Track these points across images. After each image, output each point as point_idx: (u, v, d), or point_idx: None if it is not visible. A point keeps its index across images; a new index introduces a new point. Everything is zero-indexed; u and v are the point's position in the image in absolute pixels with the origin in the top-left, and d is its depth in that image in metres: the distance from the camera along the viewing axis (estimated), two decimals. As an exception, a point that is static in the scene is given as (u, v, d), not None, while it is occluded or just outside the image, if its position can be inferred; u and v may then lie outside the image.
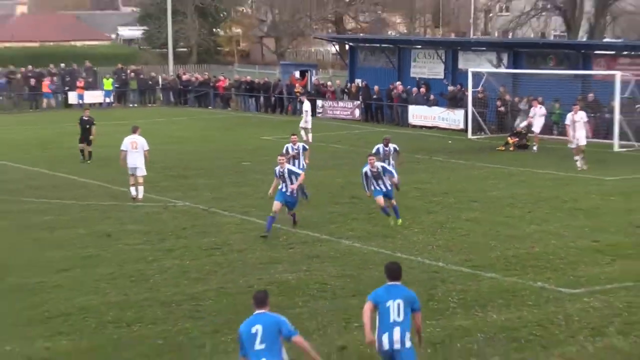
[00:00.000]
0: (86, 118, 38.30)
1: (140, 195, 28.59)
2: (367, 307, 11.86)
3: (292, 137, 30.16)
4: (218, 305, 17.80)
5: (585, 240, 23.14)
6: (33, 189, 30.94)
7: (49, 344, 15.49)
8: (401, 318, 11.73)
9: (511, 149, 41.68)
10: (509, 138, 42.73)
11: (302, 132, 42.38)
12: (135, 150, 28.63)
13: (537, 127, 41.34)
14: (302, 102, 48.82)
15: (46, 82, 64.41)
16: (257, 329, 11.02)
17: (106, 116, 53.83)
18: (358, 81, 57.59)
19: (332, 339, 15.34)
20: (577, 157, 34.79)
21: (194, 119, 58.24)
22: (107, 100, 66.56)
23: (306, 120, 44.08)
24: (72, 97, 65.41)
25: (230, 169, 36.24)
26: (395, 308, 11.72)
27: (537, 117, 41.44)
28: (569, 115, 35.54)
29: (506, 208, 27.57)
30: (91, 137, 37.99)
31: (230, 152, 41.40)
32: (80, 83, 65.65)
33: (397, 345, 11.61)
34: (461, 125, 48.57)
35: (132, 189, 28.74)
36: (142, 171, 28.68)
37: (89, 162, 37.57)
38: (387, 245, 22.54)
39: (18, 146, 43.41)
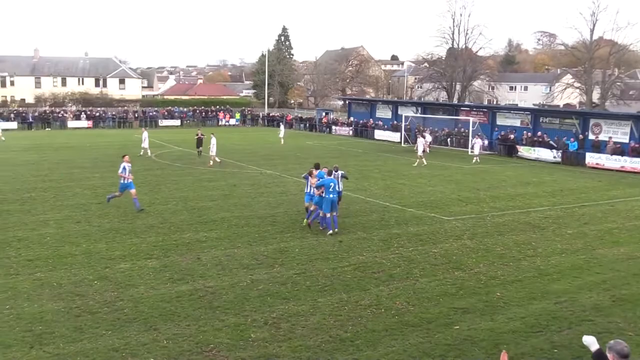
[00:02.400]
0: (199, 136, 33.08)
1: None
2: None
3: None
4: (286, 217, 17.14)
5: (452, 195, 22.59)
6: (202, 164, 30.72)
7: (206, 234, 15.08)
8: None
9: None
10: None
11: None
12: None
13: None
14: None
15: (221, 115, 64.88)
16: None
17: (234, 131, 53.74)
18: (352, 118, 57.05)
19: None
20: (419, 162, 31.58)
21: (274, 133, 57.67)
22: (237, 123, 66.94)
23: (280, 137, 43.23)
24: (221, 122, 66.04)
25: (291, 156, 35.48)
26: None
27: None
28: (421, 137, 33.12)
29: (419, 179, 26.84)
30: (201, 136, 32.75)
31: (291, 149, 40.67)
32: (228, 115, 65.94)
33: None
34: (397, 139, 47.76)
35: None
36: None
37: (200, 156, 31.96)
38: (363, 194, 22.01)
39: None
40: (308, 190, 15.86)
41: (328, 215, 14.99)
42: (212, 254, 13.38)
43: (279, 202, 20.23)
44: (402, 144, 46.19)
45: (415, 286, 11.48)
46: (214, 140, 30.28)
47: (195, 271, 12.15)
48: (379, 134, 50.94)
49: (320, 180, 15.10)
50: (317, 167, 16.13)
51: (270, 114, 70.13)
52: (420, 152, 32.09)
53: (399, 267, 12.71)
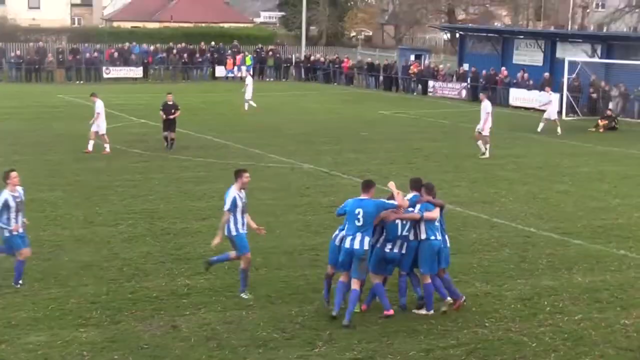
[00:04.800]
0: (170, 103, 31.24)
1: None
2: None
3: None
4: None
5: (665, 214, 22.32)
6: (183, 148, 31.36)
7: (189, 281, 15.67)
8: None
9: (601, 130, 40.65)
10: (599, 121, 41.85)
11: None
12: None
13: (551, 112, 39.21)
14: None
15: (229, 62, 66.55)
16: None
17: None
18: (466, 65, 56.97)
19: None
20: None
21: (321, 94, 58.30)
22: (248, 73, 67.44)
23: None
24: (220, 71, 66.83)
25: (350, 137, 36.08)
26: None
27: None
28: None
29: (594, 182, 26.77)
30: (172, 116, 31.14)
31: (350, 123, 41.25)
32: (230, 60, 66.68)
33: None
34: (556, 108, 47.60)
35: None
36: None
37: (172, 150, 30.92)
38: (485, 211, 22.11)
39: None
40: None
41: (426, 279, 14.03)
42: (198, 320, 13.84)
43: (325, 223, 20.48)
44: (564, 117, 45.75)
45: None
46: (249, 80, 28.83)
47: (169, 350, 12.53)
48: (518, 96, 51.28)
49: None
50: (418, 185, 14.52)
51: (312, 58, 70.87)
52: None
53: (555, 352, 12.75)
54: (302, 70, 69.82)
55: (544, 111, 39.75)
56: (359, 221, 13.57)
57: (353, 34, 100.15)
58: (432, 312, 14.09)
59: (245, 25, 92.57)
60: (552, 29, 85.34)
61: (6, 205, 15.01)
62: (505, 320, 13.98)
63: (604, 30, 77.62)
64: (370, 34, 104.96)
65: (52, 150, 30.62)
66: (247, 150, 31.86)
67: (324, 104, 51.18)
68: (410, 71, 59.85)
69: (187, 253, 17.68)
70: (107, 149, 30.18)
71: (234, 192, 14.67)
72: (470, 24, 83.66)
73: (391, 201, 13.83)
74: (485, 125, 30.92)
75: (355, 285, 13.70)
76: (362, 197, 13.82)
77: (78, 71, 63.22)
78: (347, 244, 13.68)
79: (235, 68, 67.02)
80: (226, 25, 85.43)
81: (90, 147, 30.15)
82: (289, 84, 66.04)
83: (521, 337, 13.24)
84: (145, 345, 12.60)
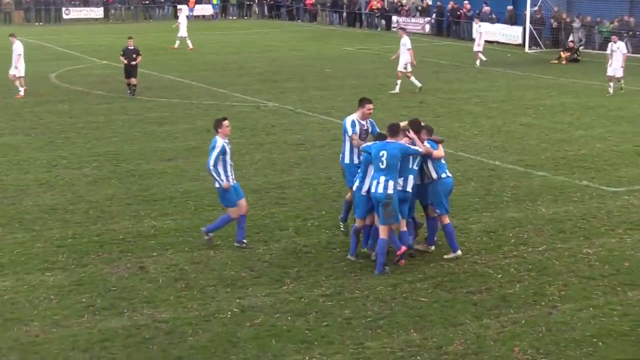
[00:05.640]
0: (131, 47, 29.68)
1: None
2: None
3: None
4: (300, 193, 17.71)
5: (627, 144, 22.50)
6: (146, 89, 30.98)
7: (156, 223, 15.59)
8: None
9: (563, 62, 40.81)
10: (561, 53, 42.00)
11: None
12: None
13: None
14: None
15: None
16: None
17: (208, 28, 54.05)
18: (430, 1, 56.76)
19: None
20: (610, 84, 31.01)
21: (284, 31, 57.80)
22: (214, 13, 67.09)
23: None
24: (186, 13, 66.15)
25: (314, 75, 35.91)
26: None
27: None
28: (609, 45, 32.06)
29: (557, 115, 26.91)
30: (134, 62, 29.68)
31: (314, 60, 41.02)
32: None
33: None
34: (519, 41, 47.72)
35: None
36: None
37: (135, 97, 29.70)
38: (449, 145, 22.09)
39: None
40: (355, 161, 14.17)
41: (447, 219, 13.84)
42: (166, 261, 13.80)
43: (291, 162, 20.49)
44: (527, 49, 45.87)
45: (551, 319, 11.61)
46: (183, 17, 27.42)
47: (137, 292, 12.47)
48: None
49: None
50: (418, 126, 13.82)
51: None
52: (619, 74, 30.59)
53: (520, 283, 12.86)
54: (266, 7, 69.07)
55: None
56: (382, 164, 13.07)
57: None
58: (459, 252, 13.86)
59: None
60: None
61: None
62: (471, 253, 14.06)
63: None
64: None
65: (12, 93, 30.12)
66: (211, 89, 31.63)
67: (287, 41, 50.79)
68: (373, 6, 59.58)
69: (153, 194, 17.55)
70: (22, 93, 29.51)
71: (220, 141, 14.10)
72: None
73: (414, 147, 13.36)
74: (404, 60, 30.73)
75: (382, 233, 13.15)
76: (389, 140, 13.26)
77: (37, 12, 62.03)
78: (372, 189, 13.17)
79: (203, 6, 66.33)
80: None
81: (22, 92, 29.51)
82: (252, 22, 65.41)
83: (487, 269, 13.35)
84: (113, 288, 12.54)
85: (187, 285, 12.61)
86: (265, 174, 19.26)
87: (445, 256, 13.81)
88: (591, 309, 11.75)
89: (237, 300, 11.97)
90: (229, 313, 11.56)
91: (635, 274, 13.10)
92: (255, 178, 18.88)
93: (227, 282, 12.69)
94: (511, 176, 19.10)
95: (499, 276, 13.03)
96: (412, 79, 30.95)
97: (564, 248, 14.31)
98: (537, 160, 20.68)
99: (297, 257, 13.80)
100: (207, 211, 16.25)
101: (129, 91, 30.10)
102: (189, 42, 44.57)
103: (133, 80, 29.98)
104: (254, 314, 11.51)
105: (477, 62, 38.62)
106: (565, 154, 21.41)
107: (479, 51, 38.83)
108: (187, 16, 64.50)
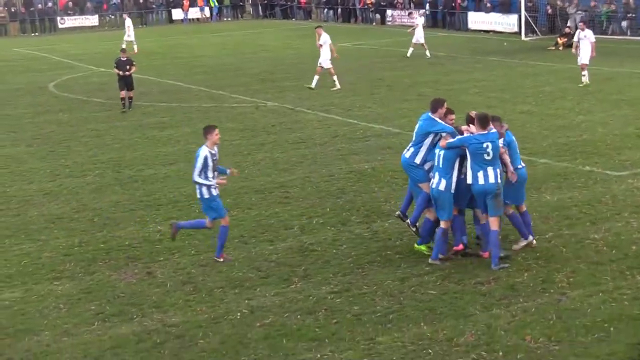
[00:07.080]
0: (124, 59, 28.14)
1: None
2: None
3: None
4: (304, 192, 17.70)
5: (629, 127, 22.48)
6: (143, 94, 30.96)
7: (161, 227, 15.57)
8: None
9: (560, 48, 40.73)
10: (558, 39, 41.94)
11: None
12: None
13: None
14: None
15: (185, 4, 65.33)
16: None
17: (203, 31, 54.10)
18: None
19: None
20: (583, 73, 29.95)
21: (279, 30, 57.77)
22: (210, 16, 67.18)
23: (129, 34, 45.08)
24: (177, 14, 65.91)
25: (311, 72, 35.73)
26: None
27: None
28: (577, 32, 31.16)
29: (557, 101, 26.89)
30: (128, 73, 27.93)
31: (311, 58, 40.87)
32: (186, 2, 65.69)
33: None
34: (515, 29, 47.65)
35: None
36: None
37: (130, 110, 28.21)
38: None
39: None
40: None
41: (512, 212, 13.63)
42: (173, 265, 13.81)
43: (292, 160, 20.47)
44: (524, 37, 45.83)
45: (561, 306, 11.57)
46: (129, 22, 27.85)
47: (146, 297, 12.47)
48: (476, 19, 51.28)
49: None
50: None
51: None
52: (584, 61, 29.91)
53: (528, 272, 12.83)
54: (259, 7, 69.05)
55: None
56: (488, 155, 12.83)
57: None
58: (531, 238, 13.75)
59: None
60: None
61: None
62: (471, 244, 13.97)
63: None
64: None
65: (11, 105, 30.13)
66: (210, 92, 31.62)
67: (283, 40, 50.80)
68: (367, 0, 59.52)
69: (157, 199, 17.56)
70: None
71: (205, 151, 13.31)
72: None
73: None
74: (326, 56, 30.79)
75: (493, 225, 12.89)
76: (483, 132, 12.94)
77: (32, 23, 62.02)
78: (479, 181, 12.81)
79: (198, 9, 66.23)
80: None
81: None
82: (247, 23, 65.39)
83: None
84: (121, 294, 12.54)
85: (195, 288, 12.61)
86: (269, 174, 19.25)
87: (514, 246, 13.66)
88: (600, 294, 11.74)
89: (246, 301, 11.98)
90: (239, 314, 11.56)
91: (643, 257, 13.08)
92: (259, 178, 18.86)
93: (235, 284, 12.69)
94: (514, 165, 19.05)
95: (507, 265, 13.01)
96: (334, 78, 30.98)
97: (571, 234, 14.30)
98: (539, 147, 20.66)
99: (304, 255, 13.80)
100: (211, 213, 16.23)
101: (123, 107, 28.14)
102: (135, 45, 44.44)
103: (130, 93, 28.26)
104: (264, 314, 11.51)
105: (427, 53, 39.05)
106: (567, 140, 21.40)
107: (418, 43, 39.22)
108: (181, 19, 65.09)
